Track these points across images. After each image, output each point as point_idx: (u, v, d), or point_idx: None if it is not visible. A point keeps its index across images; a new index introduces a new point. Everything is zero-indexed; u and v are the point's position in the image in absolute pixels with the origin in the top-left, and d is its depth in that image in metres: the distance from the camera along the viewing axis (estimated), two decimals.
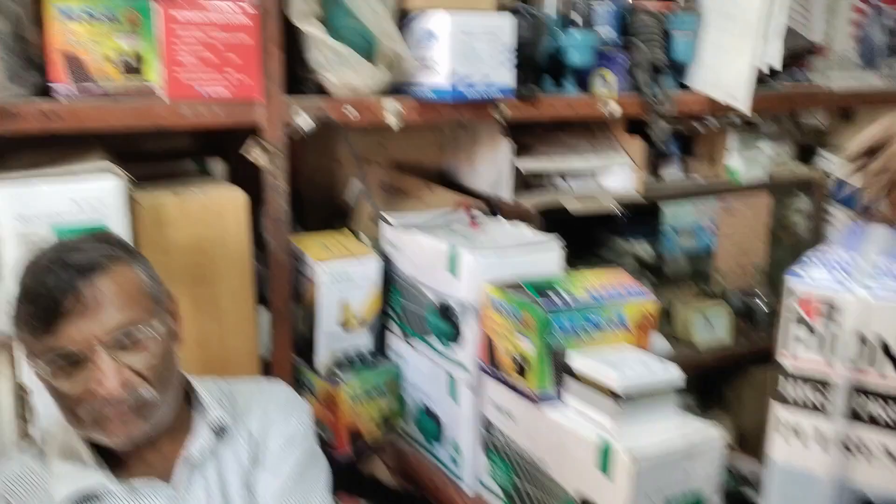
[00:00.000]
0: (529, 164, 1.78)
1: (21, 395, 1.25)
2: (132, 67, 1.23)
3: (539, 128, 1.93)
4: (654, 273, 2.03)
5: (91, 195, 1.18)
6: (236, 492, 1.08)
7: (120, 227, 1.20)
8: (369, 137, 1.79)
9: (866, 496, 0.68)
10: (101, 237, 1.03)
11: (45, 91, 1.21)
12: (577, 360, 1.18)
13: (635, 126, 1.90)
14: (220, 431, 1.09)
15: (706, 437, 1.15)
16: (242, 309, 1.40)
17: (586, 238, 2.03)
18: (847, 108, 2.22)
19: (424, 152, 1.95)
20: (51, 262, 0.95)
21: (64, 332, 0.93)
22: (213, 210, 1.34)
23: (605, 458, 1.09)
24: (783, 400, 0.69)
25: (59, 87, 1.20)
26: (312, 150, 1.84)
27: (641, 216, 2.01)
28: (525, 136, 1.82)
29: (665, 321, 2.04)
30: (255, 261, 1.41)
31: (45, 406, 1.20)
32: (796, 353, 0.68)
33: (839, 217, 2.30)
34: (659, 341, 1.94)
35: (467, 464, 1.37)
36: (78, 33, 1.18)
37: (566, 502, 1.16)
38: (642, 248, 2.04)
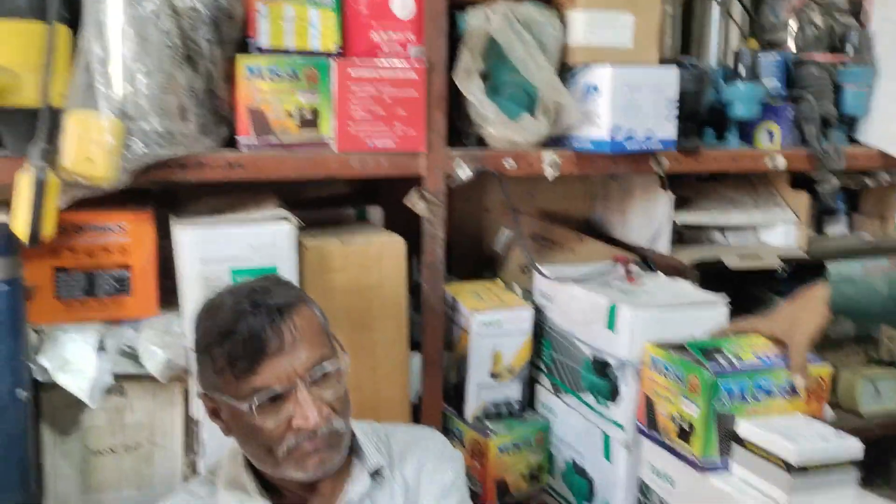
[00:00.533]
0: (689, 218, 1.73)
1: (191, 428, 1.32)
2: (308, 121, 1.30)
3: (698, 180, 1.89)
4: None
5: (267, 240, 1.24)
6: None
7: (290, 270, 1.26)
8: (519, 186, 1.80)
9: None
10: (278, 280, 1.08)
11: (229, 143, 1.30)
12: (747, 428, 1.12)
13: (800, 180, 1.82)
14: (376, 475, 1.10)
15: None
16: (396, 355, 1.42)
17: (744, 297, 1.95)
18: None
19: (573, 202, 1.94)
20: (249, 305, 0.99)
21: (268, 371, 0.97)
22: (373, 256, 1.38)
23: None
24: None
25: (243, 139, 1.28)
26: (462, 197, 1.87)
27: (804, 275, 1.91)
28: (682, 187, 1.77)
29: (829, 388, 1.91)
30: (409, 307, 1.44)
31: (213, 439, 1.26)
32: None
33: None
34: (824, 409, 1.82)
35: None
36: (263, 90, 1.26)
37: None
38: None
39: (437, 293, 1.43)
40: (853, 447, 1.08)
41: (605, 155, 1.45)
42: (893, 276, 1.20)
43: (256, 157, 1.26)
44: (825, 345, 1.93)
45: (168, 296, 1.27)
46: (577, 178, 1.92)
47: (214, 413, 1.04)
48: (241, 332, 0.97)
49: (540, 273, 1.52)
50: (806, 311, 1.21)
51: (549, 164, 1.46)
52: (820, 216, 1.97)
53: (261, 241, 1.23)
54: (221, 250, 1.22)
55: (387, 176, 1.37)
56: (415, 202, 1.39)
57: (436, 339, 1.45)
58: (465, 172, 1.40)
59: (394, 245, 1.40)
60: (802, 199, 1.81)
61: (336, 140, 1.32)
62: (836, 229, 1.98)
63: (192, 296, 1.22)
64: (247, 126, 1.27)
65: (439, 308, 1.44)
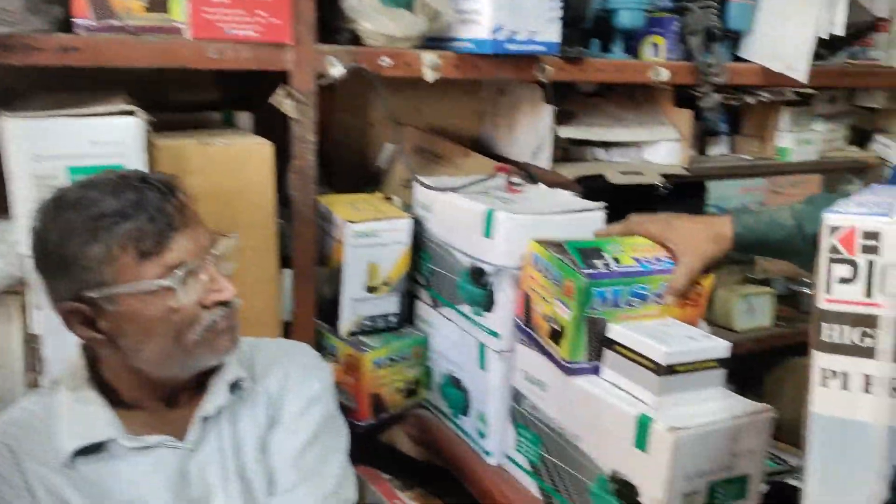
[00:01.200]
0: (573, 133, 1.70)
1: (31, 345, 1.20)
2: (157, 3, 1.17)
3: (581, 95, 1.85)
4: None
5: (110, 135, 1.12)
6: (251, 452, 1.03)
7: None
8: (405, 100, 1.72)
9: None
10: (126, 171, 0.98)
11: (65, 25, 1.16)
12: (617, 331, 1.10)
13: (683, 98, 1.81)
14: (236, 388, 1.03)
15: (752, 415, 1.07)
16: (265, 266, 1.34)
17: (624, 214, 1.95)
18: None
19: (461, 119, 1.88)
20: (138, 181, 0.91)
21: (178, 246, 0.91)
22: (235, 159, 1.28)
23: (642, 434, 1.02)
24: (825, 347, 0.62)
25: (80, 21, 1.14)
26: (344, 110, 1.78)
27: (685, 194, 1.92)
28: (566, 103, 1.74)
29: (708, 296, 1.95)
30: (279, 219, 1.35)
31: (56, 355, 1.16)
32: (838, 294, 0.61)
33: None
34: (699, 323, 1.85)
35: (493, 436, 1.30)
36: None
37: (598, 479, 1.08)
38: None
39: (308, 201, 1.35)
40: (720, 347, 1.07)
41: (488, 58, 1.39)
42: (797, 209, 1.18)
43: (95, 40, 1.13)
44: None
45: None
46: (465, 93, 1.86)
47: (87, 322, 0.92)
48: (144, 207, 0.89)
49: (419, 183, 1.45)
50: (706, 234, 1.18)
51: (430, 65, 1.38)
52: (702, 136, 1.98)
53: (102, 136, 1.11)
54: (57, 146, 1.10)
55: (249, 69, 1.26)
56: (281, 101, 1.29)
57: (307, 250, 1.37)
58: (337, 70, 1.30)
59: (259, 148, 1.30)
60: (685, 118, 1.80)
61: (189, 26, 1.20)
62: (718, 149, 2.00)
63: (25, 199, 1.10)
64: (84, 6, 1.13)
65: (310, 217, 1.35)
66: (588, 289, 1.07)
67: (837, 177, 2.15)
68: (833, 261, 0.63)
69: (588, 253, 1.12)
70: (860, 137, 2.21)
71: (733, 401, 1.08)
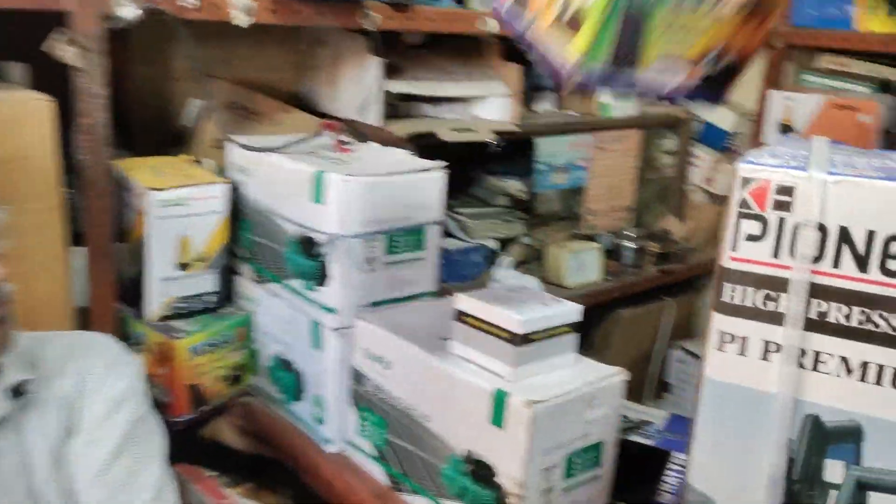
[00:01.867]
0: (402, 87, 1.58)
1: None
2: None
3: (407, 48, 1.74)
4: (526, 212, 1.91)
5: None
6: (42, 468, 0.85)
7: None
8: (214, 49, 1.53)
9: (815, 414, 0.56)
10: None
11: None
12: (467, 302, 1.01)
13: (511, 53, 1.75)
14: (19, 394, 0.85)
15: (606, 379, 1.03)
16: (48, 244, 1.13)
17: (457, 175, 1.87)
18: None
19: (279, 71, 1.71)
20: None
21: None
22: (8, 119, 1.06)
23: (499, 410, 0.95)
24: (725, 308, 0.56)
25: None
26: (142, 61, 1.55)
27: (515, 152, 1.88)
28: (392, 56, 1.62)
29: (537, 263, 1.93)
30: (67, 188, 1.15)
31: None
32: (744, 252, 0.55)
33: (703, 157, 2.28)
34: (530, 282, 1.82)
35: (332, 421, 1.18)
36: None
37: (451, 460, 1.00)
38: (515, 186, 1.91)
39: (101, 167, 1.15)
40: (573, 311, 1.02)
41: (309, 2, 1.24)
42: None
43: None
44: (534, 221, 1.94)
45: None
46: (282, 42, 1.69)
47: None
48: None
49: (234, 143, 1.29)
50: None
51: (242, 8, 1.21)
52: (528, 93, 1.94)
53: None
54: None
55: (21, 9, 1.04)
56: (60, 47, 1.07)
57: (102, 224, 1.17)
58: (129, 11, 1.11)
59: (36, 105, 1.09)
60: (514, 73, 1.75)
61: None
62: (544, 105, 1.97)
63: None
64: None
65: (104, 185, 1.16)
66: None
67: (654, 132, 2.20)
68: (742, 216, 0.57)
69: None
70: None
71: (586, 365, 1.04)
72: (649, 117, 2.10)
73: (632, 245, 2.03)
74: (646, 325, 2.14)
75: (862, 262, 0.53)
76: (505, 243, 1.87)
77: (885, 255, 0.53)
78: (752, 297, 0.58)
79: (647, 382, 2.18)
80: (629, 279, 1.99)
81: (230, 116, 1.53)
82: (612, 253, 2.03)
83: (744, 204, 0.57)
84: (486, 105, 1.74)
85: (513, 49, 1.73)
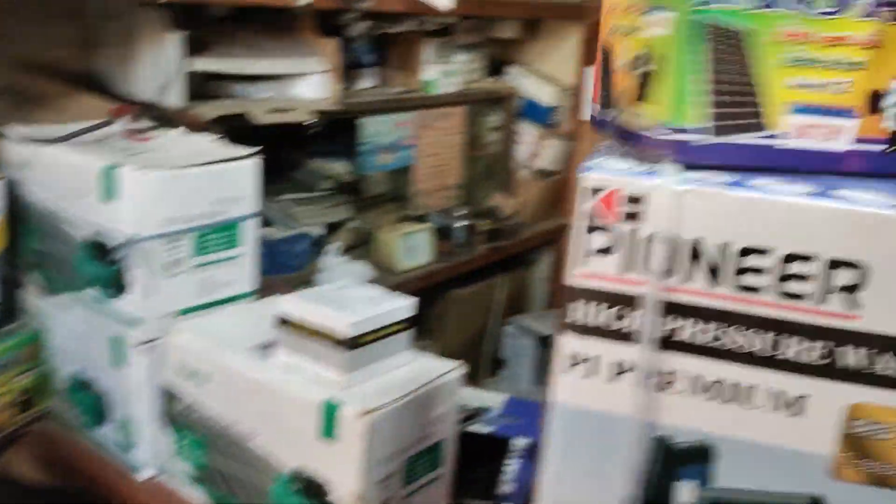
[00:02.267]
0: (208, 65, 1.44)
1: None
2: None
3: (213, 21, 1.59)
4: (353, 195, 1.83)
5: None
6: None
7: None
8: None
9: (668, 436, 0.53)
10: None
11: None
12: (290, 305, 0.92)
13: (328, 28, 1.64)
14: None
15: (444, 376, 0.97)
16: None
17: (275, 159, 1.75)
18: (536, 21, 2.18)
19: (62, 49, 1.51)
20: None
21: None
22: None
23: (330, 422, 0.86)
24: (573, 329, 0.51)
25: None
26: None
27: (337, 132, 1.79)
28: (196, 30, 1.47)
29: (367, 247, 1.86)
30: None
31: None
32: (592, 267, 0.50)
33: (528, 133, 2.29)
34: (361, 268, 1.75)
35: (142, 445, 1.05)
36: None
37: (278, 479, 0.91)
38: (340, 168, 1.82)
39: None
40: (405, 306, 0.95)
41: None
42: None
43: None
44: (362, 204, 1.86)
45: None
46: (66, 16, 1.49)
47: None
48: None
49: (8, 135, 1.11)
50: None
51: None
52: (349, 68, 1.84)
53: None
54: None
55: None
56: None
57: None
58: None
59: None
60: (332, 48, 1.65)
61: None
62: (365, 82, 1.88)
63: None
64: None
65: None
66: None
67: (478, 109, 2.18)
68: (588, 228, 0.52)
69: None
70: (496, 68, 2.26)
71: (423, 362, 0.97)
72: (473, 93, 2.07)
73: (462, 224, 2.00)
74: (479, 303, 2.13)
75: (714, 276, 0.50)
76: (332, 229, 1.78)
77: (738, 268, 0.50)
78: (602, 316, 0.53)
79: (482, 360, 2.17)
80: (461, 258, 1.97)
81: (4, 103, 1.33)
82: (442, 233, 1.99)
83: (590, 215, 0.52)
84: (304, 83, 1.64)
85: (329, 23, 1.63)
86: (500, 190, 2.23)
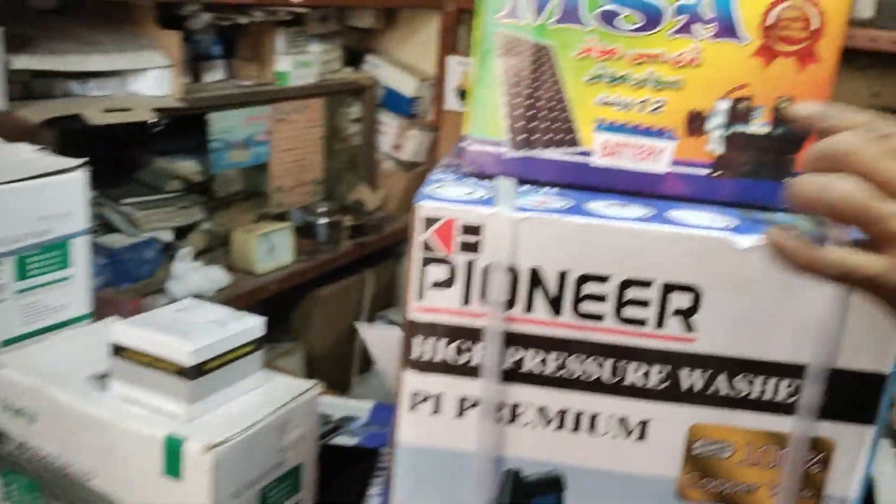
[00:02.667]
0: (32, 63, 1.32)
1: None
2: None
3: (36, 14, 1.46)
4: (205, 195, 1.74)
5: None
6: None
7: None
8: None
9: (518, 468, 0.52)
10: None
11: None
12: (125, 332, 0.85)
13: (169, 19, 1.54)
14: None
15: (299, 398, 0.93)
16: None
17: (117, 159, 1.64)
18: (393, 9, 2.14)
19: None
20: None
21: None
22: None
23: (173, 458, 0.81)
24: (415, 366, 0.49)
25: None
26: None
27: (184, 129, 1.69)
28: (16, 25, 1.34)
29: (223, 250, 1.77)
30: None
31: None
32: (431, 301, 0.48)
33: (389, 124, 2.26)
34: (215, 273, 1.67)
35: None
36: None
37: None
38: (189, 168, 1.72)
39: None
40: (253, 326, 0.90)
41: None
42: None
43: None
44: (215, 205, 1.77)
45: None
46: None
47: None
48: None
49: None
50: None
51: None
52: (195, 61, 1.75)
53: None
54: None
55: None
56: None
57: None
58: None
59: None
60: (174, 41, 1.55)
61: None
62: (214, 76, 1.79)
63: None
64: None
65: None
66: None
67: (339, 100, 2.12)
68: (426, 261, 0.49)
69: None
70: (354, 58, 2.20)
71: (276, 384, 0.92)
72: (331, 84, 2.01)
73: (325, 220, 1.95)
74: (347, 300, 2.09)
75: (555, 305, 0.48)
76: (183, 232, 1.69)
77: (578, 296, 0.48)
78: (444, 351, 0.51)
79: (353, 358, 2.13)
80: (325, 256, 1.92)
81: None
82: (304, 230, 1.94)
83: (427, 247, 0.49)
84: (144, 79, 1.53)
85: (170, 14, 1.53)
86: (363, 183, 2.19)
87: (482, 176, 0.55)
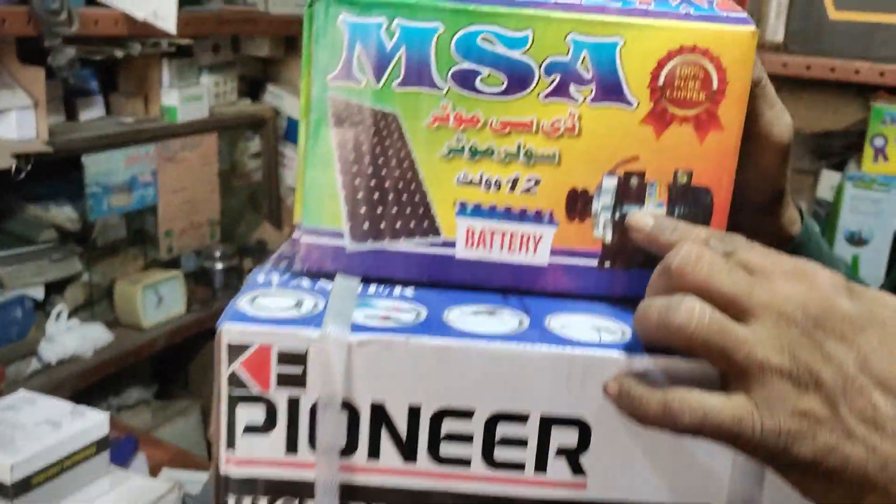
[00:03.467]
0: None
1: None
2: None
3: None
4: (83, 244, 1.58)
5: None
6: None
7: None
8: None
9: None
10: None
11: None
12: None
13: (33, 53, 1.39)
14: None
15: (162, 499, 0.80)
16: None
17: None
18: (292, 37, 2.02)
19: None
20: None
21: None
22: None
23: None
24: None
25: None
26: None
27: (60, 173, 1.53)
28: None
29: (106, 303, 1.62)
30: None
31: None
32: (246, 450, 0.37)
33: (295, 158, 2.13)
34: (95, 331, 1.52)
35: None
36: None
37: None
38: (64, 215, 1.56)
39: None
40: (97, 423, 0.77)
41: None
42: None
43: None
44: (95, 254, 1.61)
45: None
46: None
47: None
48: None
49: None
50: None
51: None
52: (69, 98, 1.59)
53: None
54: None
55: None
56: None
57: None
58: None
59: None
60: (38, 77, 1.40)
61: None
62: (91, 113, 1.64)
63: None
64: None
65: None
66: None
67: (237, 134, 1.99)
68: (237, 400, 0.38)
69: None
70: (253, 88, 2.07)
71: (129, 488, 0.80)
72: (225, 118, 1.87)
73: (222, 265, 1.81)
74: None
75: (407, 449, 0.38)
76: (58, 287, 1.53)
77: (436, 436, 0.38)
78: None
79: None
80: (223, 304, 1.77)
81: None
82: (199, 277, 1.79)
83: (236, 381, 0.38)
84: (6, 120, 1.38)
85: (34, 49, 1.38)
86: (266, 221, 2.06)
87: (318, 275, 0.44)
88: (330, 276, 0.44)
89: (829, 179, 1.64)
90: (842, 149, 1.68)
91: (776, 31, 1.70)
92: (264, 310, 0.39)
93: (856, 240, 1.49)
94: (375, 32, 0.41)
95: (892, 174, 1.45)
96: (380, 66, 0.41)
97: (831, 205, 1.59)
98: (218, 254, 1.82)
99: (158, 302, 1.62)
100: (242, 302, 0.40)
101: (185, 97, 1.72)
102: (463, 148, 0.42)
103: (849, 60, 1.45)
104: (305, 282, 0.43)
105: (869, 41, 1.46)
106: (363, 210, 0.43)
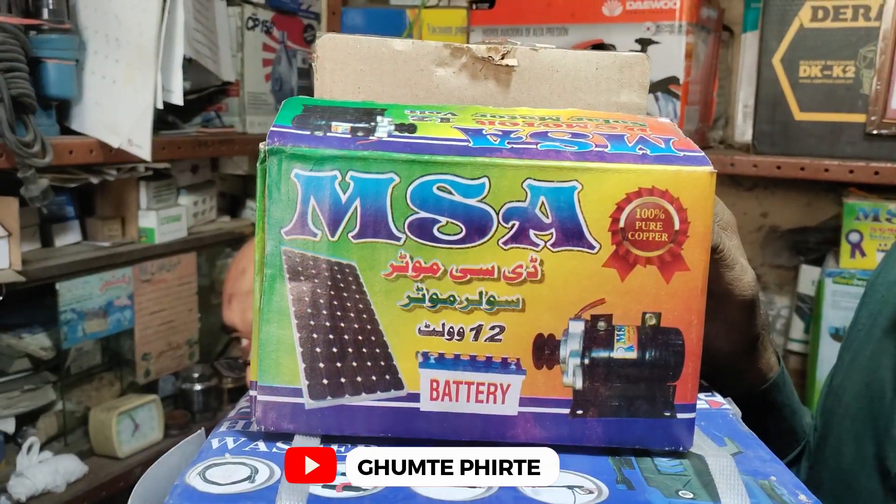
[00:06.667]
0: None
1: None
2: None
3: None
4: (56, 372, 1.54)
5: None
6: None
7: None
8: None
9: None
10: None
11: None
12: None
13: (6, 183, 1.39)
14: None
15: None
16: None
17: None
18: None
19: None
20: None
21: None
22: None
23: None
24: None
25: None
26: None
27: (34, 300, 1.51)
28: None
29: (80, 432, 1.56)
30: None
31: None
32: None
33: None
34: (69, 463, 1.46)
35: None
36: None
37: None
38: (37, 343, 1.53)
39: None
40: None
41: None
42: None
43: None
44: (70, 382, 1.57)
45: None
46: None
47: None
48: None
49: None
50: None
51: None
52: (46, 225, 1.59)
53: None
54: None
55: None
56: None
57: None
58: None
59: None
60: (11, 207, 1.40)
61: None
62: (68, 238, 1.63)
63: None
64: None
65: None
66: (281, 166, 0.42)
67: (216, 250, 1.98)
68: None
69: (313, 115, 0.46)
70: (233, 205, 2.08)
71: None
72: (204, 237, 1.87)
73: (200, 386, 1.77)
74: None
75: None
76: (31, 418, 1.48)
77: None
78: None
79: None
80: (199, 427, 1.72)
81: None
82: (177, 400, 1.75)
83: None
84: None
85: (8, 179, 1.38)
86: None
87: (276, 436, 0.42)
88: (289, 437, 0.42)
89: (809, 274, 1.64)
90: (818, 244, 1.69)
91: (744, 132, 1.74)
92: (215, 485, 0.37)
93: (840, 336, 1.47)
94: (329, 186, 0.40)
95: (871, 269, 1.46)
96: (335, 219, 0.40)
97: (814, 299, 1.59)
98: (196, 375, 1.78)
99: (134, 429, 1.57)
100: (193, 475, 0.38)
101: (163, 218, 1.72)
102: (423, 297, 0.41)
103: (817, 159, 1.47)
104: (262, 444, 0.41)
105: (835, 139, 1.49)
106: (322, 365, 0.41)
